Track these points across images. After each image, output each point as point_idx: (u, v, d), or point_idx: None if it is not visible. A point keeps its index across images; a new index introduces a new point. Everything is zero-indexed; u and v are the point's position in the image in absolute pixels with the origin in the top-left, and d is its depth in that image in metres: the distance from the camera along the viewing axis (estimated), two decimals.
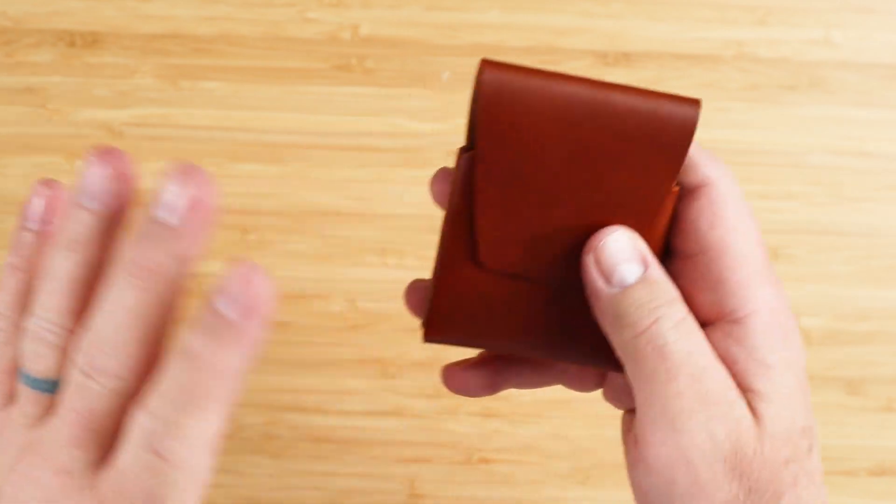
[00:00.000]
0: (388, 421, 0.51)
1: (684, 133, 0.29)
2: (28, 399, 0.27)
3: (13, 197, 0.52)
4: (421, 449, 0.51)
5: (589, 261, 0.29)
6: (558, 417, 0.52)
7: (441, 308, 0.31)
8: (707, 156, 0.30)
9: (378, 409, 0.51)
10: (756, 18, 0.55)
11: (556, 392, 0.42)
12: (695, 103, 0.29)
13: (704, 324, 0.29)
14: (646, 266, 0.29)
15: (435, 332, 0.31)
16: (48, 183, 0.29)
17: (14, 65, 0.53)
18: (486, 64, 0.29)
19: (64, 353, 0.27)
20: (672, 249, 0.31)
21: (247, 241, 0.52)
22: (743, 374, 0.29)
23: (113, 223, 0.27)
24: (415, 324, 0.52)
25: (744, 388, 0.29)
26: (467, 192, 0.30)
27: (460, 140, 0.53)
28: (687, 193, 0.30)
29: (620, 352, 0.29)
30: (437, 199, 0.32)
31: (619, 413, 0.34)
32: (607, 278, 0.29)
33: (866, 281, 0.54)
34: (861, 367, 0.53)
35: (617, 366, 0.31)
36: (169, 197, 0.25)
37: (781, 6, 0.55)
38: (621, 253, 0.29)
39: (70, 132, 0.53)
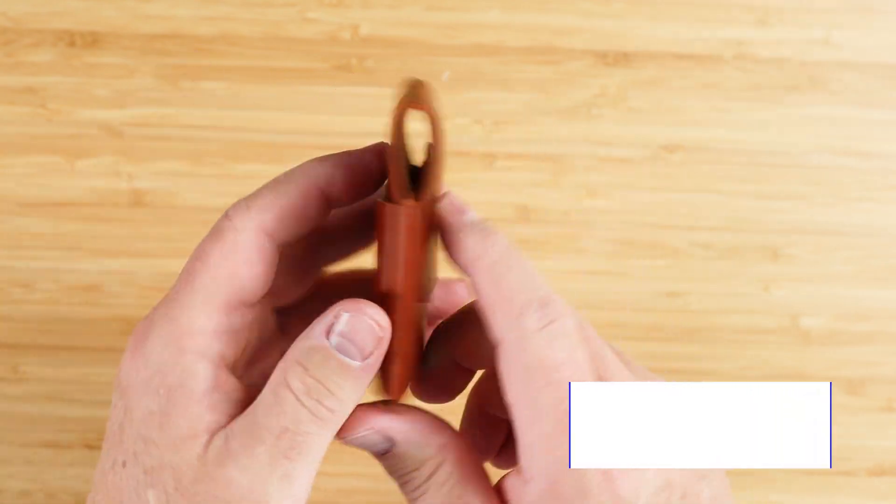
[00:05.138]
0: None
1: None
2: None
3: (13, 197, 0.52)
4: None
5: None
6: None
7: (414, 358, 0.31)
8: (498, 309, 0.29)
9: None
10: (756, 18, 0.55)
11: None
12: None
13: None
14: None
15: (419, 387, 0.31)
16: None
17: (14, 65, 0.53)
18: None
19: None
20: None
21: None
22: None
23: None
24: None
25: None
26: (417, 239, 0.29)
27: (461, 140, 0.53)
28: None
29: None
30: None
31: None
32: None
33: (866, 281, 0.54)
34: (861, 367, 0.53)
35: None
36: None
37: (781, 6, 0.55)
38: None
39: (70, 132, 0.53)
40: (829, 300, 0.53)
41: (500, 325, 0.27)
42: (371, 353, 0.28)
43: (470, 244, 0.28)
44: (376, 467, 0.52)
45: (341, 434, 0.30)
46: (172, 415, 0.27)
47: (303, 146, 0.53)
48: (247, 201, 0.30)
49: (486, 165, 0.53)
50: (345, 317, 0.28)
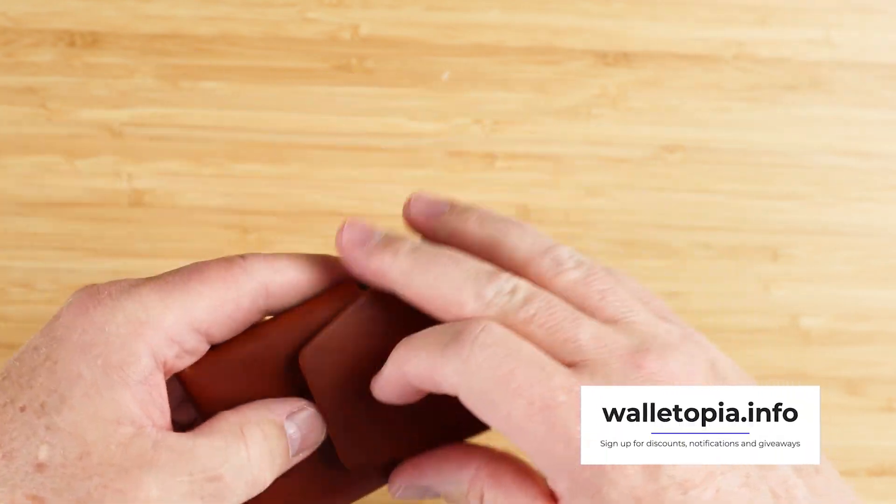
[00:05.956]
0: None
1: None
2: None
3: (13, 197, 0.52)
4: None
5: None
6: None
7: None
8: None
9: None
10: (756, 18, 0.55)
11: None
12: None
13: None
14: None
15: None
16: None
17: (14, 65, 0.53)
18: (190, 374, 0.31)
19: None
20: None
21: (247, 241, 0.52)
22: None
23: None
24: None
25: None
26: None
27: (461, 140, 0.53)
28: None
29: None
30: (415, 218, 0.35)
31: None
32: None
33: (866, 281, 0.54)
34: (861, 367, 0.53)
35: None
36: None
37: (781, 6, 0.55)
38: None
39: (70, 132, 0.53)
40: (829, 300, 0.53)
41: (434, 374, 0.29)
42: (303, 451, 0.31)
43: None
44: None
45: (391, 492, 0.32)
46: (103, 390, 0.27)
47: (303, 146, 0.53)
48: (266, 257, 0.32)
49: (486, 165, 0.53)
50: (309, 413, 0.31)
